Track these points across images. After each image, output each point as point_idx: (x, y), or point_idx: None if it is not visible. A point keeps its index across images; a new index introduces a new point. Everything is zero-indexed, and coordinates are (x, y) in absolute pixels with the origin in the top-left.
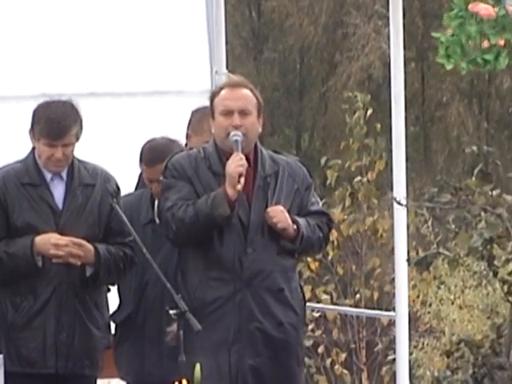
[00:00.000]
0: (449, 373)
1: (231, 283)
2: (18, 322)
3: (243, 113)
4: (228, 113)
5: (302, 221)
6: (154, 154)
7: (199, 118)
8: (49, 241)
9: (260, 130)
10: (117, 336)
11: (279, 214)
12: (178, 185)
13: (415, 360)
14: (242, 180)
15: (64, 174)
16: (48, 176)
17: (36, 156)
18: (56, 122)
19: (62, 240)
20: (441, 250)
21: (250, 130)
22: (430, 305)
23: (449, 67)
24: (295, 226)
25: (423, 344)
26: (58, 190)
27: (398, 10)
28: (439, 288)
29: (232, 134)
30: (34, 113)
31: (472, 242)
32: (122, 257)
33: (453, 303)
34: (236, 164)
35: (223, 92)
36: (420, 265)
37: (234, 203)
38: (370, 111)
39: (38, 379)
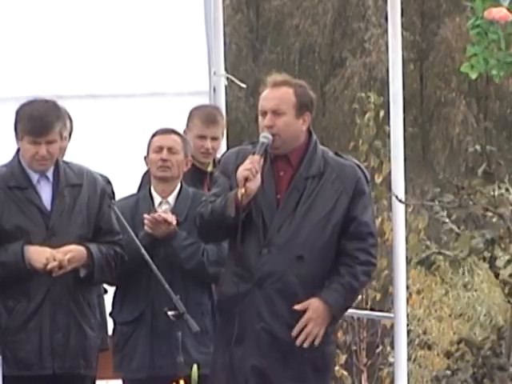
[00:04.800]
0: (449, 372)
1: (248, 281)
2: (13, 325)
3: (276, 113)
4: (263, 113)
5: (334, 295)
6: (170, 128)
7: (190, 114)
8: (43, 256)
9: (303, 128)
10: (123, 334)
11: (307, 329)
12: (219, 180)
13: (411, 371)
14: (251, 185)
15: (50, 175)
16: (34, 178)
17: (20, 158)
18: (38, 118)
19: (55, 262)
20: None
21: (282, 130)
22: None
23: (473, 76)
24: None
25: (416, 355)
26: (46, 192)
27: (396, 11)
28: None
29: (261, 134)
30: (17, 112)
31: (474, 243)
32: (113, 255)
33: (432, 313)
34: (244, 167)
35: (264, 92)
36: (421, 265)
37: (244, 207)
38: (381, 113)
39: (36, 381)
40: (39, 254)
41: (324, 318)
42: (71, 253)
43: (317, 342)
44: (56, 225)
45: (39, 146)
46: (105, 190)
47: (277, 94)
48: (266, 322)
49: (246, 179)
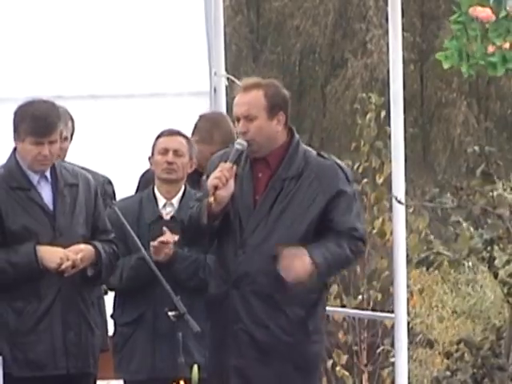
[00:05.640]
0: (448, 373)
1: (227, 283)
2: (23, 327)
3: (248, 118)
4: (237, 119)
5: (319, 252)
6: (176, 129)
7: (209, 127)
8: (56, 256)
9: (278, 128)
10: (123, 335)
11: (291, 266)
12: (204, 185)
13: (412, 370)
14: (221, 193)
15: (48, 176)
16: (35, 179)
17: (18, 159)
18: (42, 119)
19: (69, 262)
20: (441, 250)
21: (256, 134)
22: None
23: (446, 66)
24: (311, 260)
25: (417, 354)
26: (46, 192)
27: (396, 12)
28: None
29: (236, 141)
30: (17, 113)
31: (473, 244)
32: (112, 254)
33: (433, 314)
34: (213, 176)
35: (236, 97)
36: (421, 265)
37: (216, 214)
38: (383, 113)
39: (48, 381)
40: (52, 254)
41: (307, 264)
42: (82, 252)
43: (302, 285)
44: (61, 225)
45: (42, 147)
46: (97, 189)
47: (246, 99)
48: (244, 322)
49: (216, 187)
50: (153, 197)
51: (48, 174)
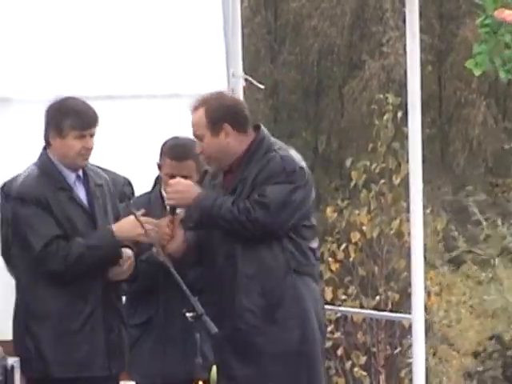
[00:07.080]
0: (480, 368)
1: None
2: (69, 328)
3: (198, 138)
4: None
5: (210, 199)
6: (184, 149)
7: None
8: (134, 225)
9: (228, 140)
10: (131, 337)
11: (176, 194)
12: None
13: (430, 369)
14: (170, 247)
15: (81, 175)
16: (71, 179)
17: (52, 158)
18: (85, 112)
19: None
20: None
21: (209, 151)
22: (446, 312)
23: (477, 73)
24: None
25: (436, 351)
26: (81, 192)
27: (414, 13)
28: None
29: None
30: (53, 111)
31: (505, 243)
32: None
33: (454, 313)
34: (158, 236)
35: None
36: (452, 263)
37: (181, 260)
38: (400, 114)
39: (90, 382)
40: (129, 224)
41: (191, 186)
42: (130, 259)
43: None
44: (101, 226)
45: (85, 140)
46: (114, 188)
47: (193, 120)
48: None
49: (163, 246)
50: (160, 199)
51: (81, 174)
